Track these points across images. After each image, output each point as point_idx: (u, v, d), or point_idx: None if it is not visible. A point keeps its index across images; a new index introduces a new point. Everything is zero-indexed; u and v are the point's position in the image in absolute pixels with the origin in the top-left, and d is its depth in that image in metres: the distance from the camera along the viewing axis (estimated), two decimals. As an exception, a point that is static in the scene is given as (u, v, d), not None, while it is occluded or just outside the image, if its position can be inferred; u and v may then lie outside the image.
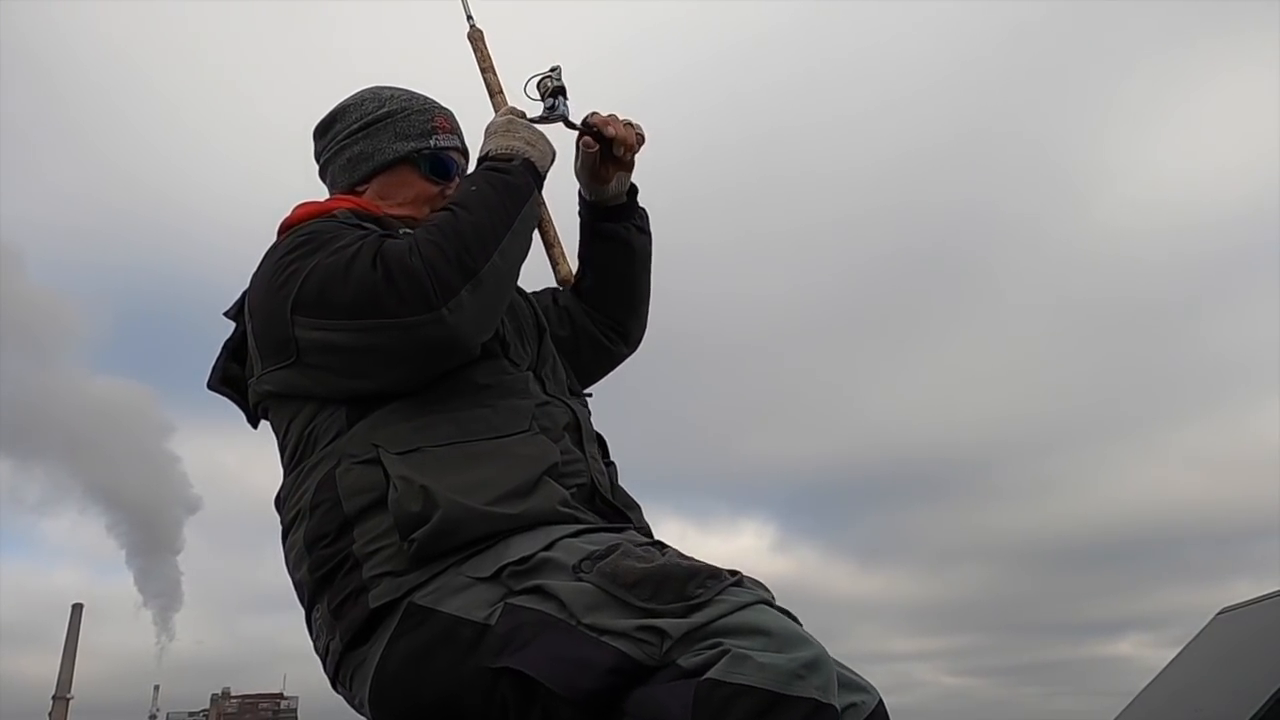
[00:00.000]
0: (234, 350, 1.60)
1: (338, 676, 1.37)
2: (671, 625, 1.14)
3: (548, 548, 1.27)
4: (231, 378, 1.60)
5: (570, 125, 1.69)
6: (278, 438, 1.54)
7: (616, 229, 1.79)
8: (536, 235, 1.65)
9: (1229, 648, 3.94)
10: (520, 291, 1.70)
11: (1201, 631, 4.30)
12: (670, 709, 1.09)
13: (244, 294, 1.56)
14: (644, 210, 1.83)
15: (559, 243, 1.78)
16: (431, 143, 1.68)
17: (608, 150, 1.71)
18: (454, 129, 1.73)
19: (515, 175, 1.53)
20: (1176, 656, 4.33)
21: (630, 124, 1.72)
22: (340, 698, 1.40)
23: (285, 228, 1.59)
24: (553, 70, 1.68)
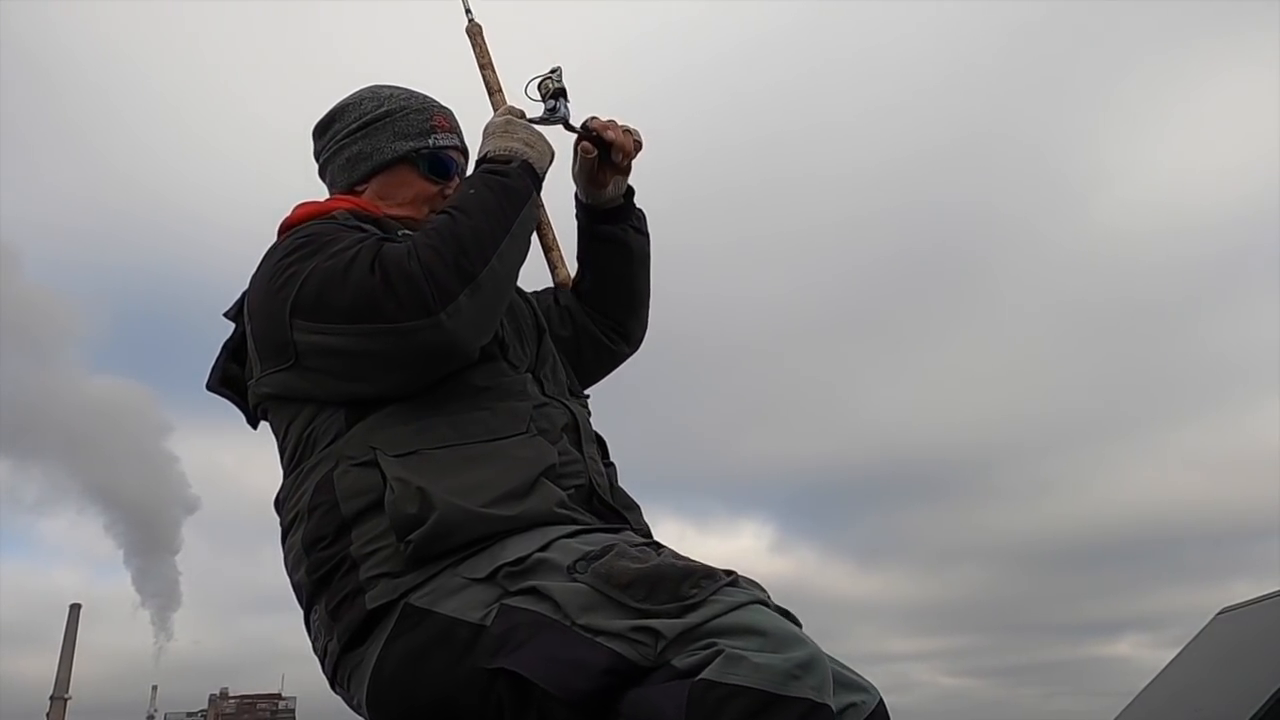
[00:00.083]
0: (233, 351, 1.60)
1: (336, 677, 1.37)
2: (666, 626, 1.14)
3: (543, 548, 1.27)
4: (231, 379, 1.60)
5: (570, 128, 1.68)
6: (277, 439, 1.54)
7: (614, 231, 1.79)
8: (535, 237, 1.65)
9: (1229, 648, 3.94)
10: (520, 292, 1.70)
11: (1201, 631, 4.29)
12: (664, 710, 1.09)
13: (243, 295, 1.56)
14: (641, 212, 1.83)
15: (558, 246, 1.77)
16: (430, 142, 1.67)
17: (606, 155, 1.71)
18: (453, 128, 1.73)
19: (513, 178, 1.53)
20: (1176, 656, 4.33)
21: (629, 130, 1.71)
22: (338, 698, 1.40)
23: (285, 228, 1.58)
24: (553, 72, 1.67)
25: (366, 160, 1.67)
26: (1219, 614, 4.26)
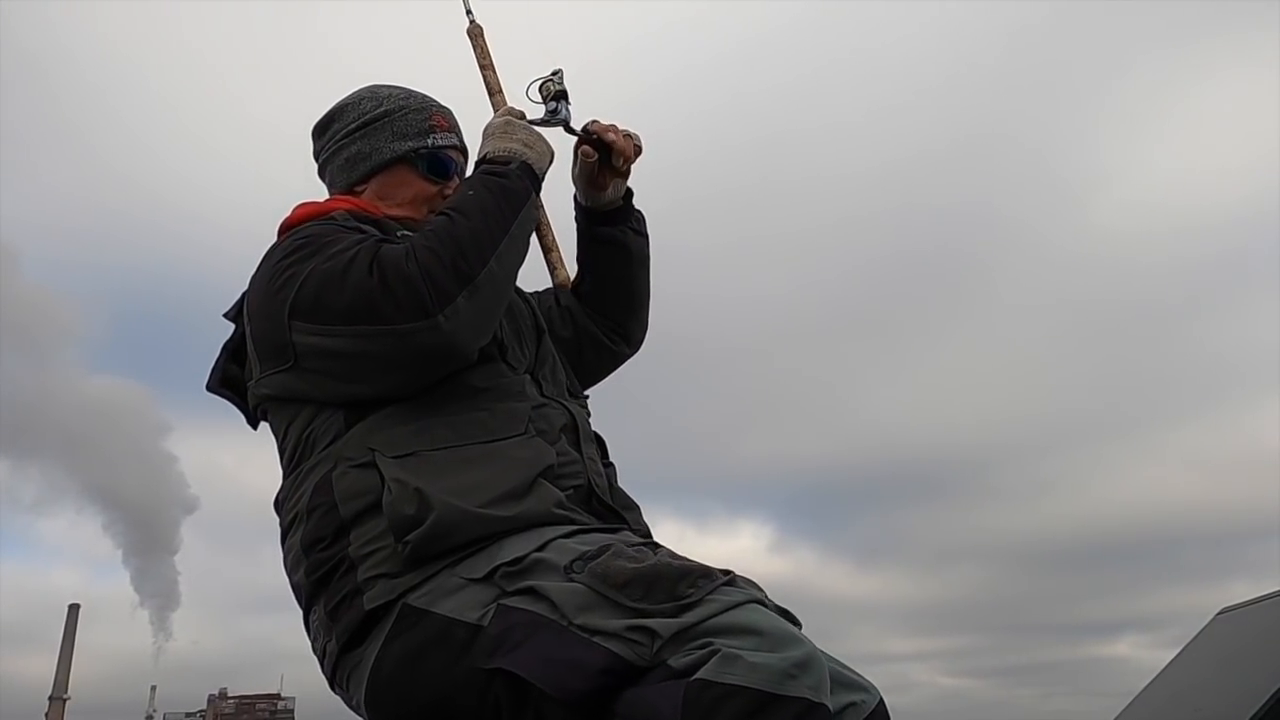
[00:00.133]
0: (233, 352, 1.60)
1: (335, 678, 1.37)
2: (662, 625, 1.14)
3: (540, 549, 1.27)
4: (231, 379, 1.60)
5: (570, 131, 1.68)
6: (277, 440, 1.54)
7: (613, 233, 1.79)
8: (535, 238, 1.65)
9: (1229, 648, 3.94)
10: (519, 292, 1.69)
11: (1201, 631, 4.29)
12: (661, 710, 1.08)
13: (243, 296, 1.56)
14: (640, 213, 1.83)
15: (557, 247, 1.77)
16: (429, 142, 1.67)
17: (606, 159, 1.71)
18: (452, 127, 1.72)
19: (512, 179, 1.53)
20: (1176, 656, 4.33)
21: (630, 135, 1.71)
22: (338, 698, 1.40)
23: (284, 229, 1.58)
24: (555, 74, 1.67)
25: (365, 160, 1.67)
26: (1219, 614, 4.26)
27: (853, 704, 1.24)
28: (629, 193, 1.80)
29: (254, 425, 1.60)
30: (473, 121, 1.70)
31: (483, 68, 1.77)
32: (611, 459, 1.62)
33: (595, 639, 1.15)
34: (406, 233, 1.52)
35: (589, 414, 1.66)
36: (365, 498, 1.33)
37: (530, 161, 1.57)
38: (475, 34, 1.81)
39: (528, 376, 1.55)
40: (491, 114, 1.69)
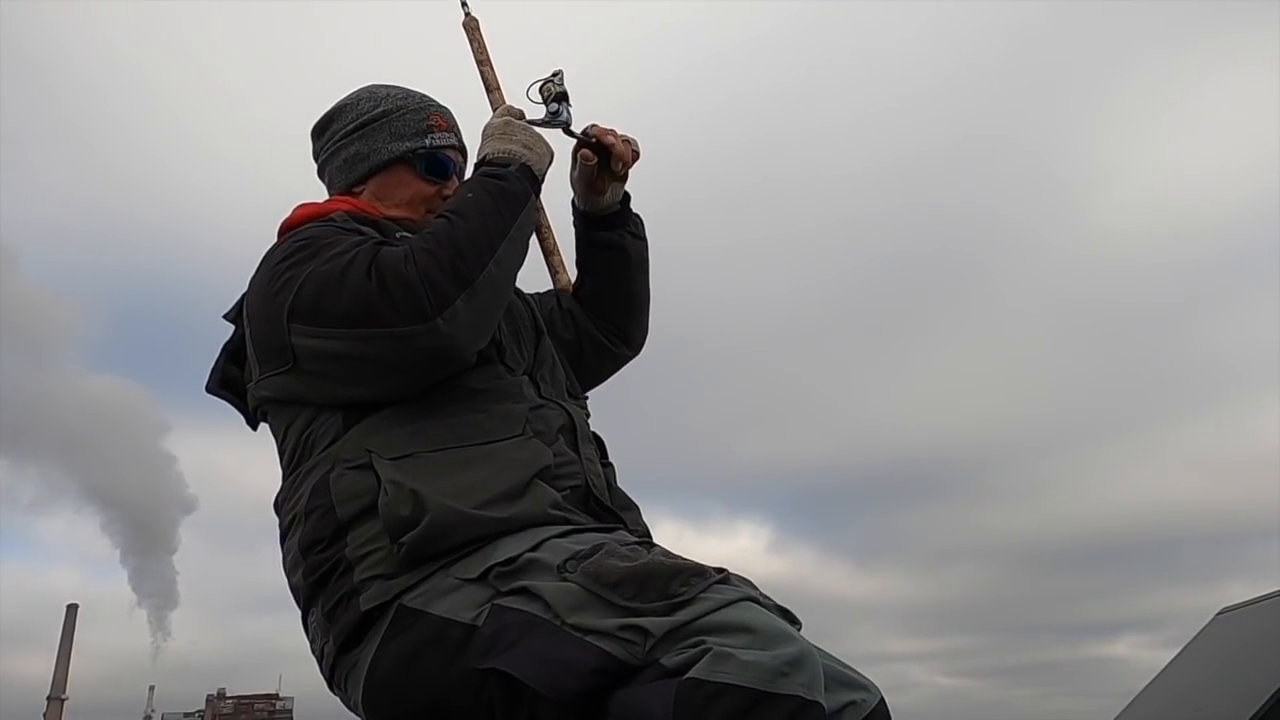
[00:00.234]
0: (233, 353, 1.60)
1: (333, 678, 1.37)
2: (654, 624, 1.13)
3: (534, 548, 1.27)
4: (230, 380, 1.60)
5: (570, 133, 1.67)
6: (276, 442, 1.54)
7: (612, 237, 1.79)
8: (536, 240, 1.64)
9: (1229, 648, 3.94)
10: (519, 293, 1.69)
11: (1201, 631, 4.30)
12: (652, 709, 1.08)
13: (243, 297, 1.56)
14: (638, 217, 1.83)
15: (558, 250, 1.77)
16: (427, 142, 1.67)
17: (605, 162, 1.70)
18: (450, 127, 1.72)
19: (512, 181, 1.52)
20: (1176, 656, 4.33)
21: (628, 140, 1.71)
22: (336, 698, 1.41)
23: (284, 230, 1.58)
24: (555, 75, 1.66)
25: (364, 161, 1.67)
26: (1219, 614, 4.27)
27: (852, 703, 1.24)
28: (627, 197, 1.80)
29: (254, 427, 1.60)
30: (473, 121, 1.70)
31: (479, 63, 1.76)
32: (611, 459, 1.62)
33: (588, 638, 1.15)
34: (405, 234, 1.52)
35: (588, 415, 1.66)
36: (362, 499, 1.33)
37: (530, 163, 1.56)
38: (471, 27, 1.79)
39: (526, 378, 1.55)
40: (489, 111, 1.69)
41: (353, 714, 1.34)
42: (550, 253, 1.75)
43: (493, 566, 1.26)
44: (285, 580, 1.44)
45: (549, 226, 1.75)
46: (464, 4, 1.80)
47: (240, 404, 1.59)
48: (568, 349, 1.74)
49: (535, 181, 1.57)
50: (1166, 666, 4.32)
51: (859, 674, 1.29)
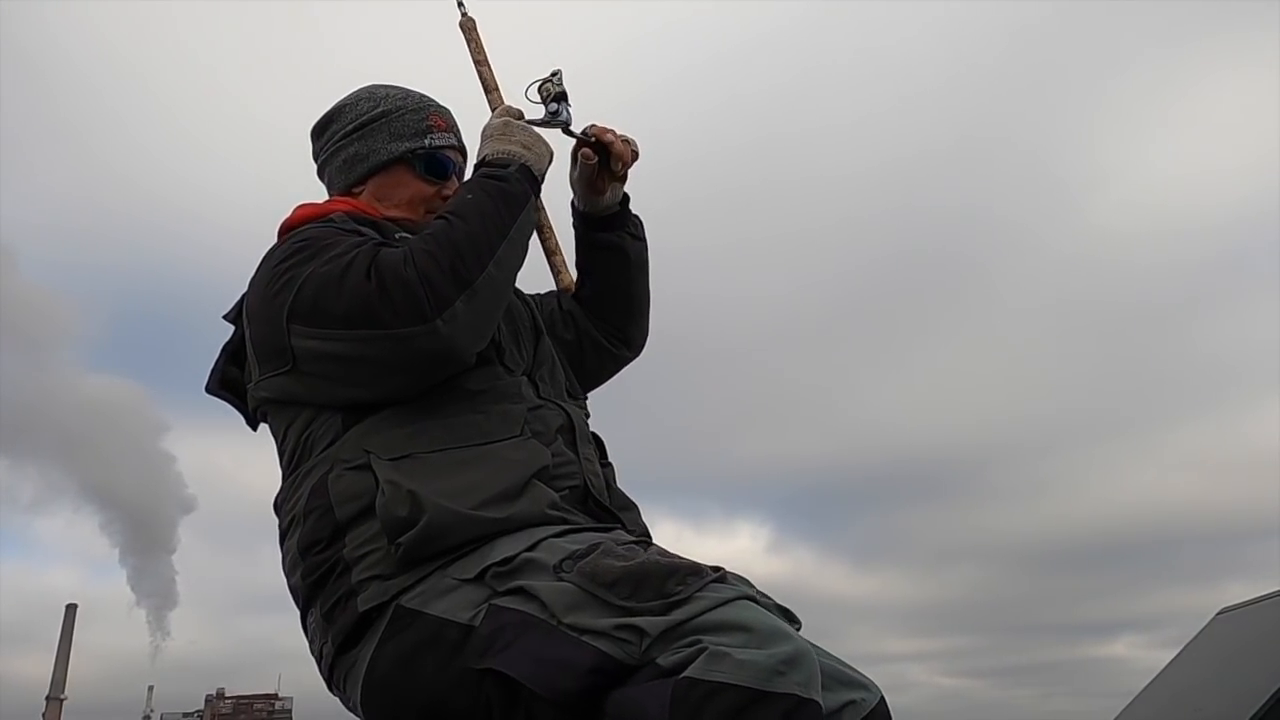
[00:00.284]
0: (232, 354, 1.60)
1: (332, 679, 1.37)
2: (650, 623, 1.13)
3: (531, 548, 1.27)
4: (230, 381, 1.60)
5: (570, 133, 1.67)
6: (276, 442, 1.54)
7: (611, 238, 1.78)
8: (536, 241, 1.64)
9: (1229, 648, 3.94)
10: (518, 293, 1.69)
11: (1201, 631, 4.30)
12: (648, 708, 1.08)
13: (242, 297, 1.56)
14: (638, 217, 1.83)
15: (560, 250, 1.76)
16: (427, 142, 1.66)
17: (605, 162, 1.70)
18: (450, 127, 1.71)
19: (511, 182, 1.52)
20: (1176, 656, 4.34)
21: (627, 140, 1.71)
22: (335, 699, 1.41)
23: (284, 231, 1.58)
24: (554, 74, 1.65)
25: (363, 161, 1.66)
26: (1218, 614, 4.27)
27: (852, 702, 1.23)
28: (626, 198, 1.79)
29: (253, 427, 1.60)
30: (473, 120, 1.70)
31: (477, 63, 1.76)
32: (610, 459, 1.62)
33: (584, 638, 1.15)
34: (405, 235, 1.52)
35: (587, 415, 1.65)
36: (360, 500, 1.33)
37: (530, 164, 1.56)
38: (468, 28, 1.79)
39: (525, 378, 1.55)
40: (488, 111, 1.69)
41: (351, 714, 1.34)
42: (552, 253, 1.75)
43: (490, 567, 1.26)
44: (283, 580, 1.44)
45: (550, 227, 1.74)
46: (460, 4, 1.80)
47: (240, 405, 1.59)
48: (568, 350, 1.74)
49: (535, 182, 1.57)
50: (1166, 667, 4.32)
51: (859, 673, 1.29)
